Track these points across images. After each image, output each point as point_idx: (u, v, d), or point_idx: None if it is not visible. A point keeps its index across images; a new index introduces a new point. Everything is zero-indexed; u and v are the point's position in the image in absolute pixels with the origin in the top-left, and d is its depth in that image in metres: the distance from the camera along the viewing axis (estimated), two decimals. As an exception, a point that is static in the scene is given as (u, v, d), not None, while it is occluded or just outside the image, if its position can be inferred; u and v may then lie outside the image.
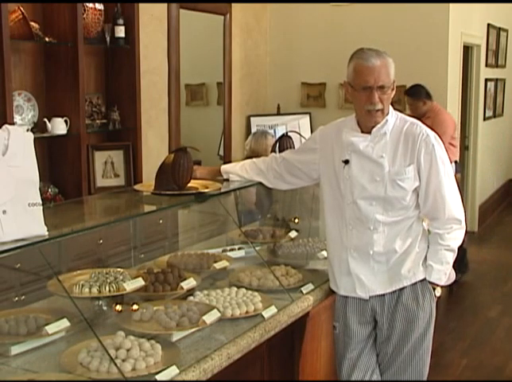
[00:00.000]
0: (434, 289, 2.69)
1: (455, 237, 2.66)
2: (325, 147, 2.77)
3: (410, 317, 2.66)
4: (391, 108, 2.68)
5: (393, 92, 2.64)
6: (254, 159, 3.05)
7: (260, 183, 3.00)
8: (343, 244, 2.69)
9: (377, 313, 2.70)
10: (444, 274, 2.67)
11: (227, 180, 3.03)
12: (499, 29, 8.59)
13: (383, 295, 2.67)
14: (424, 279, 2.66)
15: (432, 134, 2.65)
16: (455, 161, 6.14)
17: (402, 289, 2.65)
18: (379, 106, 2.56)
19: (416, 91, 5.97)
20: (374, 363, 2.75)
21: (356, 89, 2.59)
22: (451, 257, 2.67)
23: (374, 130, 2.62)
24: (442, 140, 6.31)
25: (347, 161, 2.64)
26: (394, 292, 2.66)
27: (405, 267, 2.64)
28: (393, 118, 2.66)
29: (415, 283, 2.66)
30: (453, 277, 2.74)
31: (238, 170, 3.00)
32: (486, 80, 8.28)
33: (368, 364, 2.74)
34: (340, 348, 2.78)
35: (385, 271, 2.65)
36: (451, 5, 6.43)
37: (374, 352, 2.76)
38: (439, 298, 2.74)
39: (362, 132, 2.65)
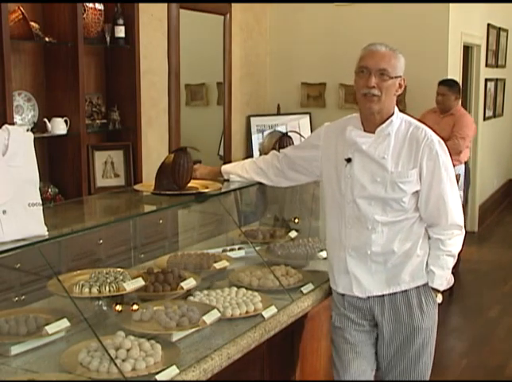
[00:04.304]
0: (435, 295, 2.65)
1: (456, 243, 2.64)
2: (328, 145, 2.74)
3: (415, 323, 2.62)
4: (396, 110, 2.64)
5: (401, 90, 2.61)
6: (255, 158, 3.04)
7: (260, 183, 2.99)
8: (341, 243, 2.67)
9: (375, 313, 2.66)
10: (444, 279, 2.64)
11: (228, 180, 3.02)
12: (499, 29, 8.59)
13: (382, 296, 2.63)
14: (427, 284, 2.62)
15: (436, 139, 2.59)
16: (466, 162, 6.15)
17: (405, 292, 2.61)
18: (375, 91, 2.51)
19: (454, 83, 6.04)
20: (370, 355, 2.72)
21: (357, 73, 2.57)
22: (451, 262, 2.64)
23: (378, 130, 2.59)
24: (463, 142, 6.27)
25: (349, 160, 2.61)
26: (395, 295, 2.62)
27: (405, 270, 2.60)
28: (399, 120, 2.62)
29: (418, 288, 2.62)
30: (452, 281, 2.71)
31: (239, 170, 2.99)
32: (486, 80, 8.28)
33: (365, 354, 2.70)
34: (337, 336, 2.73)
35: (383, 272, 2.61)
36: (451, 5, 6.43)
37: (370, 345, 2.71)
38: (440, 304, 2.70)
39: (366, 131, 2.62)
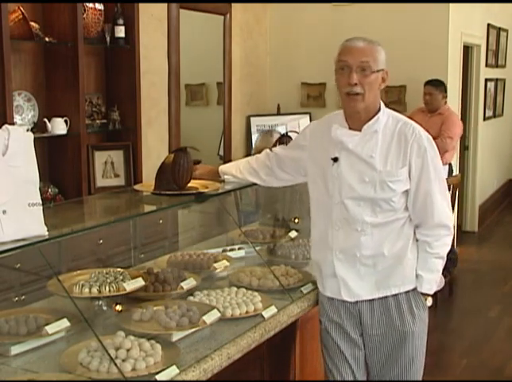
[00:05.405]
0: (425, 299, 2.59)
1: (443, 244, 2.55)
2: (315, 144, 2.65)
3: (406, 328, 2.56)
4: (383, 106, 2.53)
5: (384, 84, 2.51)
6: (249, 158, 3.00)
7: (254, 184, 2.95)
8: (328, 245, 2.58)
9: (364, 317, 2.59)
10: (434, 282, 2.57)
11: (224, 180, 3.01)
12: (499, 29, 8.59)
13: (371, 301, 2.56)
14: (416, 288, 2.57)
15: (424, 135, 2.50)
16: (449, 164, 6.19)
17: (395, 296, 2.55)
18: (358, 89, 2.41)
19: (440, 83, 6.09)
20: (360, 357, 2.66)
21: (337, 71, 2.48)
22: (440, 264, 2.57)
23: (365, 127, 2.49)
24: (450, 141, 6.28)
25: (336, 159, 2.52)
26: (386, 299, 2.55)
27: (396, 273, 2.53)
28: (385, 117, 2.51)
29: (408, 292, 2.55)
30: (442, 283, 2.66)
31: (233, 171, 2.95)
32: (486, 80, 8.28)
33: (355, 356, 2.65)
34: (328, 342, 2.68)
35: (373, 275, 2.54)
36: (451, 5, 6.43)
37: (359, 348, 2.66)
38: (430, 307, 2.64)
39: (352, 129, 2.52)
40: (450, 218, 2.57)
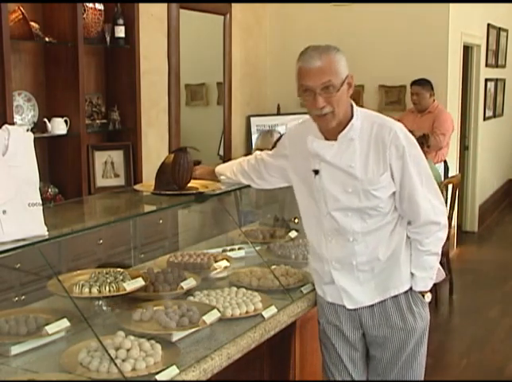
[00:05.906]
0: (423, 296, 2.57)
1: (435, 240, 2.50)
2: (294, 154, 2.60)
3: (408, 327, 2.55)
4: (355, 108, 2.45)
5: (352, 89, 2.41)
6: (242, 159, 2.97)
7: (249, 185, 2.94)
8: (323, 256, 2.55)
9: (364, 320, 2.58)
10: (429, 279, 2.55)
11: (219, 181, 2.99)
12: (499, 29, 8.60)
13: (372, 305, 2.55)
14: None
15: (402, 133, 2.41)
16: (445, 160, 6.20)
17: (395, 297, 2.53)
18: (327, 109, 2.34)
19: (426, 81, 6.11)
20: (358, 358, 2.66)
21: (300, 93, 2.40)
22: (434, 261, 2.55)
23: (340, 136, 2.42)
24: (443, 138, 6.29)
25: (317, 172, 2.47)
26: (385, 302, 2.54)
27: (394, 275, 2.51)
28: (360, 121, 2.43)
29: (406, 292, 2.54)
30: (442, 276, 2.65)
31: (228, 172, 2.94)
32: (486, 80, 8.28)
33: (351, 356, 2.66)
34: (327, 342, 2.69)
35: (371, 280, 2.52)
36: (451, 5, 6.43)
37: (356, 349, 2.66)
38: (430, 303, 2.64)
39: (327, 139, 2.46)
40: (441, 212, 2.51)
